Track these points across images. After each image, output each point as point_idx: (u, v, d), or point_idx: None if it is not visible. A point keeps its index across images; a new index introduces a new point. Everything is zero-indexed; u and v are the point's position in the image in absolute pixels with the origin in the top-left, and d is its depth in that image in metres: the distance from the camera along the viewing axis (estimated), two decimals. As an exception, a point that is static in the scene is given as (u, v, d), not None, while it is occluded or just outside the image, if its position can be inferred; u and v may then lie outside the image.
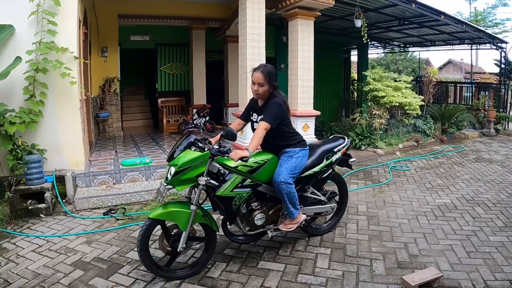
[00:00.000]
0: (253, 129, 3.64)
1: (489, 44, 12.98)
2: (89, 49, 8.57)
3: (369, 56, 16.57)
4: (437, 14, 9.70)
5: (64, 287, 3.21)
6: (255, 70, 3.44)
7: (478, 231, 4.30)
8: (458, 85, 15.18)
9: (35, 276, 3.39)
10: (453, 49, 15.05)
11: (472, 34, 11.79)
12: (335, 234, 4.27)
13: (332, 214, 4.32)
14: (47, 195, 5.01)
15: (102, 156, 6.83)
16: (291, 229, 3.65)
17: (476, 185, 6.24)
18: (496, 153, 9.04)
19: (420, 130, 10.34)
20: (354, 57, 16.55)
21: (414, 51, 20.33)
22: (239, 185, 3.33)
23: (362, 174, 7.05)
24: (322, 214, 4.16)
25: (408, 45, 16.23)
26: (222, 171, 3.28)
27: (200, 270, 3.41)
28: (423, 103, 10.10)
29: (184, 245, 3.21)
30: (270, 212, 3.63)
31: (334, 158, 3.98)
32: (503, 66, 13.02)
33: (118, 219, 4.79)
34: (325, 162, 3.89)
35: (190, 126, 9.51)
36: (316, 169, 3.80)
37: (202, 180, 3.11)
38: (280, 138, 3.55)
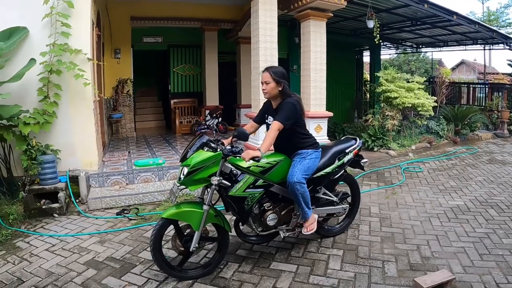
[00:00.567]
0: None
1: (502, 44, 12.81)
2: (102, 50, 8.67)
3: (381, 57, 16.46)
4: (449, 14, 9.61)
5: (77, 286, 3.25)
6: (262, 71, 3.51)
7: (491, 233, 4.24)
8: (471, 85, 15.01)
9: (48, 274, 3.44)
10: (466, 50, 14.89)
11: (485, 34, 11.66)
12: (347, 236, 4.26)
13: (344, 215, 4.31)
14: (61, 195, 5.06)
15: (115, 157, 6.90)
16: (313, 229, 3.66)
17: (490, 187, 6.17)
18: (509, 154, 8.92)
19: (433, 131, 10.25)
20: (366, 58, 16.50)
21: (426, 52, 20.20)
22: (252, 185, 3.34)
23: (375, 175, 7.02)
24: (334, 215, 4.16)
25: (420, 46, 16.09)
26: (234, 171, 3.30)
27: (212, 270, 3.42)
28: (436, 104, 10.00)
29: (196, 245, 3.23)
30: (282, 213, 3.63)
31: (346, 159, 3.97)
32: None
33: (131, 219, 4.83)
34: (337, 163, 3.88)
35: (202, 127, 9.54)
36: (328, 170, 3.80)
37: (215, 180, 3.13)
38: (293, 139, 3.55)
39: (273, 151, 3.66)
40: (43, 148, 5.28)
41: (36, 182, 5.17)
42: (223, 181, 3.20)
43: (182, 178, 3.13)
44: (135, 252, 3.90)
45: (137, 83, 11.22)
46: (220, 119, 9.66)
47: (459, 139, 10.40)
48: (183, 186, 3.22)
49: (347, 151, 4.00)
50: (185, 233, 3.31)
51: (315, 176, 3.70)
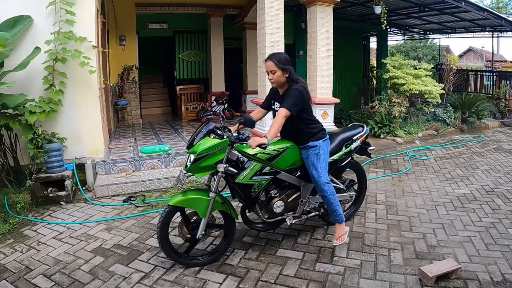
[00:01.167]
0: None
1: (511, 32, 12.61)
2: (107, 37, 8.63)
3: (388, 43, 16.25)
4: (458, 1, 9.43)
5: (85, 273, 3.27)
6: (266, 60, 3.41)
7: (498, 223, 4.21)
8: (478, 73, 14.83)
9: (56, 262, 3.47)
10: (474, 37, 14.69)
11: (494, 21, 11.45)
12: (353, 223, 4.26)
13: (350, 202, 4.31)
14: (67, 182, 5.08)
15: (122, 144, 6.91)
16: (344, 241, 3.52)
17: (496, 176, 6.12)
18: (516, 144, 8.83)
19: (440, 119, 10.18)
20: (373, 44, 16.30)
21: (434, 38, 19.93)
22: (258, 172, 3.33)
23: (381, 162, 6.99)
24: (341, 202, 4.12)
25: (428, 32, 15.89)
26: (241, 158, 3.28)
27: (219, 257, 3.44)
28: (443, 91, 9.90)
29: (203, 232, 3.25)
30: (289, 200, 3.62)
31: (353, 146, 3.96)
32: (525, 55, 12.67)
33: (137, 206, 4.86)
34: (344, 150, 3.87)
35: (208, 113, 9.54)
36: (335, 157, 3.79)
37: (221, 167, 3.12)
38: (300, 125, 3.48)
39: (279, 138, 3.63)
40: (49, 137, 5.28)
41: (42, 170, 5.19)
42: (230, 168, 3.19)
43: (188, 165, 3.12)
44: (142, 239, 3.93)
45: (143, 70, 11.17)
46: (226, 105, 9.64)
47: (466, 127, 10.31)
48: (190, 174, 3.21)
49: (354, 138, 3.98)
50: (191, 220, 3.32)
51: None
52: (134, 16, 9.72)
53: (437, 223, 4.24)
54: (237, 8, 10.47)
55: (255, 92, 8.11)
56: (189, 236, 3.32)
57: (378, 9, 8.44)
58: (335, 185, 3.93)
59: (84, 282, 3.13)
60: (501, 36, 13.90)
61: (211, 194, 3.22)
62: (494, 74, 14.03)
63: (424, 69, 9.61)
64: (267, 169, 3.38)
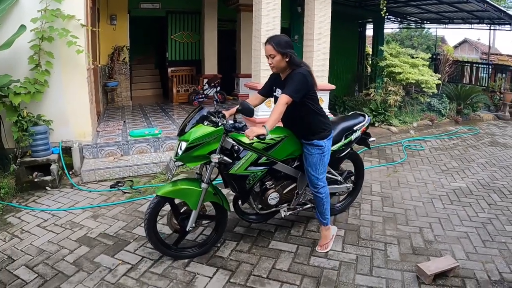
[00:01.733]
0: None
1: (508, 26, 12.47)
2: (97, 16, 8.35)
3: (384, 30, 16.08)
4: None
5: (69, 264, 3.12)
6: (264, 44, 3.15)
7: (494, 219, 4.15)
8: (474, 65, 14.74)
9: (40, 252, 3.31)
10: (471, 28, 14.52)
11: (493, 14, 11.28)
12: (348, 215, 4.16)
13: (346, 193, 4.19)
14: (53, 167, 4.90)
15: (110, 127, 6.71)
16: (329, 248, 3.40)
17: (492, 170, 6.06)
18: (511, 137, 8.77)
19: (435, 109, 10.08)
20: (368, 31, 16.13)
21: (430, 28, 19.78)
22: (254, 163, 3.14)
23: (376, 152, 6.88)
24: (337, 194, 4.01)
25: (425, 22, 15.71)
26: (236, 147, 3.08)
27: (209, 249, 3.30)
28: (439, 81, 9.79)
29: (193, 225, 3.10)
30: (284, 191, 3.45)
31: (353, 137, 3.80)
32: (522, 49, 12.57)
33: (125, 192, 4.69)
34: (344, 141, 3.71)
35: (200, 96, 9.35)
36: (335, 147, 3.60)
37: (215, 158, 2.93)
38: (304, 115, 3.19)
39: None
40: (35, 119, 5.09)
41: (28, 154, 5.01)
42: (224, 157, 3.01)
43: (179, 154, 2.93)
44: (129, 228, 3.77)
45: (134, 51, 10.93)
46: (218, 88, 9.45)
47: (460, 119, 10.23)
48: (180, 163, 3.03)
49: (355, 128, 3.81)
50: (181, 211, 3.16)
51: None
52: (125, -5, 9.41)
53: (433, 217, 4.17)
54: (233, -12, 10.19)
55: (249, 76, 7.92)
56: (178, 227, 3.16)
57: (377, -5, 8.23)
58: (333, 176, 3.78)
59: (68, 274, 2.98)
60: (498, 29, 13.72)
61: (203, 185, 3.04)
62: (490, 67, 13.95)
63: (421, 58, 9.47)
64: (263, 159, 3.19)
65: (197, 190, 3.03)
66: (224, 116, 3.15)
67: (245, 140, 3.05)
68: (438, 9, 12.52)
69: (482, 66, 14.52)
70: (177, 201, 3.15)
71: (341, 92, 12.19)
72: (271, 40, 3.08)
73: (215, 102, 3.39)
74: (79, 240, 3.51)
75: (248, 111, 2.92)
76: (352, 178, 4.15)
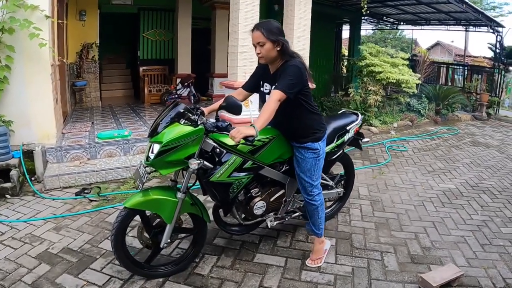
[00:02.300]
0: (264, 102, 2.81)
1: (485, 27, 12.56)
2: (65, 11, 7.85)
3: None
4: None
5: (27, 286, 2.69)
6: (252, 30, 2.73)
7: (489, 221, 4.03)
8: (450, 66, 14.82)
9: (-5, 271, 2.87)
10: (448, 30, 14.60)
11: (471, 15, 11.31)
12: (338, 221, 3.87)
13: (337, 199, 3.89)
14: (13, 172, 4.46)
15: (77, 128, 6.22)
16: (320, 264, 3.07)
17: (478, 170, 5.99)
18: (491, 137, 8.80)
19: (414, 109, 10.00)
20: (344, 32, 16.04)
21: (403, 29, 19.85)
22: (238, 168, 2.73)
23: (358, 153, 6.60)
24: (326, 200, 3.66)
25: (401, 23, 15.73)
26: (218, 150, 2.66)
27: (186, 266, 2.91)
28: (419, 81, 9.69)
29: (168, 240, 2.69)
30: (271, 199, 3.06)
31: (346, 138, 3.45)
32: (497, 50, 12.66)
33: (92, 200, 4.26)
34: (336, 142, 3.36)
35: (173, 96, 8.95)
36: (327, 149, 3.19)
37: (194, 164, 2.50)
38: (297, 114, 2.84)
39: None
40: (-7, 119, 4.65)
41: (-16, 158, 4.53)
42: (205, 162, 2.60)
43: (151, 158, 2.49)
44: (96, 241, 3.34)
45: (105, 50, 10.42)
46: (192, 88, 9.07)
47: (440, 119, 10.20)
48: (152, 168, 2.60)
49: (348, 128, 3.46)
50: (153, 224, 2.73)
51: None
52: (95, -11, 8.94)
53: (427, 221, 3.99)
54: (208, -15, 9.86)
55: (223, 76, 7.60)
56: (150, 242, 2.75)
57: (359, -8, 8.01)
58: (324, 181, 3.44)
59: (24, 297, 2.55)
60: (475, 31, 13.78)
61: (179, 195, 2.63)
62: (466, 68, 14.05)
63: (401, 58, 9.33)
64: (248, 163, 2.78)
65: (172, 201, 2.62)
66: (203, 113, 2.73)
67: (229, 141, 2.61)
68: (415, 10, 12.50)
69: (459, 67, 14.61)
70: (148, 212, 2.74)
71: (318, 93, 11.96)
72: (260, 26, 2.67)
73: (192, 100, 2.93)
74: (39, 257, 3.08)
75: (234, 108, 2.50)
76: (343, 182, 3.84)
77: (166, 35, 10.83)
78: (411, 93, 9.42)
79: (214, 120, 2.65)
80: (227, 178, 2.68)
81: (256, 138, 2.42)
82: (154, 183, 4.76)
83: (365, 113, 8.49)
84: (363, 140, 3.77)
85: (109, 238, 2.78)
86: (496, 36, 12.33)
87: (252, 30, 2.70)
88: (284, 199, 3.17)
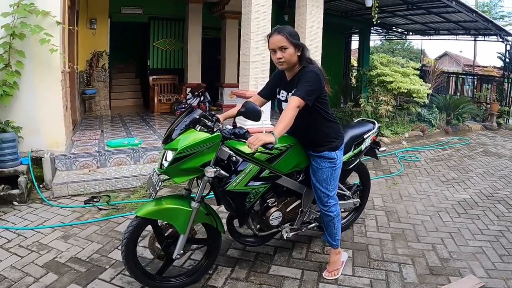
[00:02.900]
0: (282, 111, 2.72)
1: (495, 36, 12.46)
2: (76, 19, 7.90)
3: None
4: (449, 0, 9.13)
5: (33, 296, 2.61)
6: (270, 35, 2.65)
7: (505, 231, 3.94)
8: (461, 76, 14.72)
9: (0, 280, 2.80)
10: (457, 39, 14.56)
11: (480, 24, 11.23)
12: (353, 233, 3.77)
13: (352, 209, 3.79)
14: (21, 179, 4.42)
15: (86, 136, 6.20)
16: (337, 276, 2.97)
17: (491, 180, 5.87)
18: (502, 147, 8.66)
19: (425, 119, 9.89)
20: (353, 43, 16.02)
21: (411, 40, 19.81)
22: (255, 177, 2.64)
23: (371, 163, 6.51)
24: (342, 210, 3.55)
25: (410, 33, 15.68)
26: (234, 158, 2.58)
27: (199, 278, 2.81)
28: (430, 91, 9.60)
29: (181, 251, 2.60)
30: (287, 210, 2.97)
31: (363, 146, 3.36)
32: (507, 59, 12.55)
33: (101, 209, 4.20)
34: (353, 151, 3.26)
35: (183, 106, 8.92)
36: (344, 158, 3.09)
37: (210, 172, 2.41)
38: (314, 121, 2.74)
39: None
40: (3, 125, 4.63)
41: (-7, 164, 4.50)
42: (221, 171, 2.50)
43: (165, 166, 2.40)
44: (105, 251, 3.26)
45: (115, 59, 10.51)
46: (202, 98, 9.03)
47: (450, 129, 10.07)
48: (166, 176, 2.50)
49: (365, 137, 3.37)
50: (165, 234, 2.64)
51: None
52: (106, -2, 8.99)
53: (444, 232, 3.90)
54: (218, -6, 9.87)
55: (233, 86, 7.54)
56: (162, 253, 2.66)
57: (369, 2, 7.96)
58: (340, 191, 3.34)
59: (30, 309, 2.47)
60: (485, 40, 13.72)
61: (194, 204, 2.54)
62: (476, 78, 13.94)
63: (412, 67, 9.25)
64: (265, 172, 2.69)
65: (186, 210, 2.52)
66: (218, 120, 2.66)
67: (246, 149, 2.54)
68: (424, 20, 12.46)
69: (469, 77, 14.50)
70: (160, 222, 2.65)
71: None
72: (282, 30, 2.58)
73: (207, 107, 2.84)
74: (46, 266, 3.00)
75: (253, 114, 2.40)
76: (358, 192, 3.74)
77: (176, 44, 10.84)
78: (422, 103, 9.32)
79: (231, 127, 2.56)
80: (244, 187, 2.59)
81: (274, 146, 2.33)
82: (164, 192, 4.69)
83: (376, 123, 8.39)
84: (380, 149, 3.67)
85: (120, 248, 2.72)
86: (506, 45, 12.22)
87: (271, 35, 2.63)
88: (300, 209, 3.07)
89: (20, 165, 4.64)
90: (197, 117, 2.48)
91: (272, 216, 2.85)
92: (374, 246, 3.49)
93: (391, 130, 8.66)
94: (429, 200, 4.85)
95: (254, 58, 6.04)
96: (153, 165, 5.33)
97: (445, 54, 32.65)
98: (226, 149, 2.55)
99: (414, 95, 8.72)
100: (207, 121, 2.52)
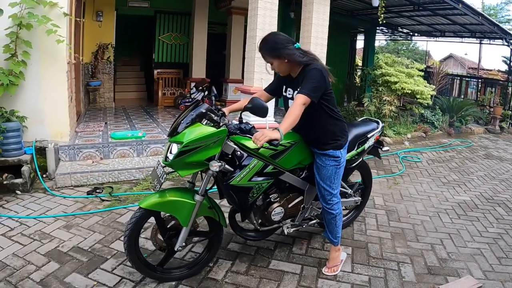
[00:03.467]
0: (288, 108, 2.78)
1: (501, 40, 12.42)
2: (83, 10, 7.92)
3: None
4: (455, 2, 9.12)
5: (35, 284, 2.64)
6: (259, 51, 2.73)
7: (504, 234, 3.96)
8: (464, 79, 14.70)
9: (2, 267, 2.83)
10: (462, 42, 14.52)
11: (486, 27, 11.21)
12: (354, 230, 3.79)
13: (353, 208, 3.81)
14: (25, 168, 4.44)
15: (90, 128, 6.23)
16: (337, 272, 3.00)
17: (492, 183, 5.88)
18: (504, 151, 8.66)
19: (428, 121, 9.88)
20: (357, 43, 16.03)
21: (417, 41, 19.75)
22: (259, 172, 2.64)
23: (373, 162, 6.53)
24: (343, 208, 3.57)
25: (415, 34, 15.66)
26: (238, 153, 2.57)
27: (200, 270, 2.84)
28: (434, 92, 9.59)
29: (183, 244, 2.62)
30: (289, 206, 2.99)
31: (366, 145, 3.36)
32: (512, 63, 12.56)
33: (103, 200, 4.23)
34: (356, 150, 3.26)
35: (187, 100, 8.94)
36: (347, 157, 3.10)
37: (215, 166, 2.43)
38: (319, 118, 2.73)
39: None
40: (7, 114, 4.65)
41: (-3, 153, 4.53)
42: (226, 166, 2.51)
43: (170, 158, 2.41)
44: (107, 241, 3.29)
45: (120, 52, 10.54)
46: (206, 93, 9.04)
47: (453, 131, 10.07)
48: (170, 169, 2.51)
49: (368, 136, 3.37)
50: (168, 226, 2.66)
51: None
52: (113, -9, 9.01)
53: (443, 233, 3.92)
54: (225, -10, 9.87)
55: (238, 81, 7.55)
56: (164, 245, 2.68)
57: (376, 1, 7.95)
58: (342, 189, 3.35)
59: (32, 296, 2.50)
60: (490, 43, 13.66)
61: (197, 198, 2.55)
62: (480, 81, 13.91)
63: (416, 68, 9.24)
64: (269, 168, 2.69)
65: (189, 203, 2.54)
66: (224, 114, 2.67)
67: (251, 145, 2.55)
68: (430, 21, 12.44)
69: (473, 80, 14.48)
70: (163, 213, 2.67)
71: (332, 102, 11.93)
72: (261, 49, 2.65)
73: (213, 100, 2.84)
74: (48, 254, 3.03)
75: (260, 110, 2.40)
76: (360, 190, 3.76)
77: (182, 38, 10.87)
78: (426, 105, 9.31)
79: (237, 122, 2.58)
80: (248, 183, 2.60)
81: (280, 142, 2.35)
82: (167, 185, 4.72)
83: (379, 123, 8.40)
84: (383, 149, 3.68)
85: (122, 238, 2.74)
86: (511, 49, 12.19)
87: (260, 52, 2.71)
88: (302, 206, 3.09)
89: (24, 155, 4.67)
90: (204, 111, 2.49)
91: (274, 211, 2.87)
92: (374, 244, 3.51)
93: (394, 131, 8.65)
94: (429, 200, 4.86)
95: (259, 54, 6.04)
96: (156, 158, 5.36)
97: (450, 56, 32.53)
98: (231, 144, 2.56)
99: (418, 96, 8.72)
100: (213, 115, 2.52)
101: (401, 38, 18.30)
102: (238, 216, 2.98)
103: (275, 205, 2.88)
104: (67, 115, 5.27)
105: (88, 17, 8.67)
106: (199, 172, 2.63)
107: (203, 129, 2.42)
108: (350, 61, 15.19)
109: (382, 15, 8.07)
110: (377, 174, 5.92)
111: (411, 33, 15.65)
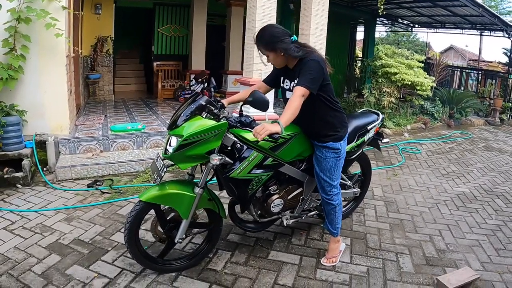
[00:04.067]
0: (286, 100, 2.77)
1: (501, 32, 12.36)
2: (81, 3, 7.88)
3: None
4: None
5: (37, 276, 2.66)
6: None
7: (503, 226, 3.97)
8: (466, 70, 14.64)
9: (4, 260, 2.85)
10: (463, 33, 14.45)
11: (487, 19, 11.13)
12: (352, 221, 3.82)
13: (352, 199, 3.83)
14: (25, 162, 4.46)
15: (90, 121, 6.23)
16: (335, 263, 3.01)
17: (491, 175, 5.89)
18: (504, 143, 8.66)
19: (428, 112, 9.87)
20: (358, 34, 15.93)
21: (417, 33, 19.66)
22: (259, 165, 2.64)
23: (372, 154, 6.53)
24: (343, 199, 3.58)
25: (415, 25, 15.58)
26: (238, 145, 2.57)
27: (200, 261, 2.87)
28: (434, 84, 9.57)
29: (183, 236, 2.64)
30: (289, 197, 3.00)
31: (366, 137, 3.36)
32: (513, 55, 12.50)
33: (104, 192, 4.25)
34: (356, 142, 3.26)
35: (187, 92, 8.92)
36: (347, 148, 3.09)
37: (216, 160, 2.43)
38: (318, 109, 2.71)
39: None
40: (7, 108, 4.66)
41: (-3, 147, 4.54)
42: (226, 158, 2.51)
43: (169, 151, 2.41)
44: (107, 233, 3.32)
45: (119, 44, 10.49)
46: (205, 85, 9.02)
47: (453, 123, 10.06)
48: (170, 162, 2.51)
49: (368, 127, 3.37)
50: (168, 218, 2.67)
51: None
52: (111, -18, 8.96)
53: (441, 224, 3.93)
54: (224, -18, 9.83)
55: (237, 73, 7.53)
56: (164, 237, 2.70)
57: (376, -9, 7.91)
58: (342, 181, 3.37)
59: (34, 288, 2.52)
60: (491, 35, 13.59)
61: (197, 190, 2.56)
62: (480, 72, 13.86)
63: (416, 59, 9.22)
64: (269, 160, 2.69)
65: (189, 196, 2.55)
66: (223, 106, 2.66)
67: (250, 137, 2.53)
68: (431, 13, 12.37)
69: (474, 71, 14.43)
70: (163, 206, 2.68)
71: (332, 92, 11.91)
72: (257, 41, 2.63)
73: (212, 91, 2.82)
74: (49, 247, 3.06)
75: (261, 103, 2.37)
76: (359, 182, 3.77)
77: (181, 30, 10.82)
78: (425, 96, 9.30)
79: (237, 114, 2.58)
80: (247, 175, 2.60)
81: (280, 136, 2.35)
82: (166, 177, 4.72)
83: (379, 114, 8.40)
84: (382, 141, 3.68)
85: (122, 230, 2.76)
86: (512, 41, 12.14)
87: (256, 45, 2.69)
88: (301, 197, 3.11)
89: (24, 149, 4.68)
90: (204, 103, 2.48)
91: (274, 203, 2.89)
92: (372, 235, 3.53)
93: (394, 122, 8.65)
94: (428, 192, 4.88)
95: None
96: (156, 150, 5.38)
97: (450, 48, 32.43)
98: (231, 136, 2.56)
99: (418, 87, 8.70)
100: (213, 108, 2.51)
101: (401, 30, 18.20)
102: (237, 208, 3.00)
103: (275, 196, 2.89)
104: (67, 108, 5.27)
105: (86, 10, 8.62)
106: (199, 164, 2.64)
107: (203, 122, 2.41)
108: (350, 52, 15.12)
109: (382, 6, 8.02)
110: (376, 165, 5.93)
111: (411, 25, 15.57)
